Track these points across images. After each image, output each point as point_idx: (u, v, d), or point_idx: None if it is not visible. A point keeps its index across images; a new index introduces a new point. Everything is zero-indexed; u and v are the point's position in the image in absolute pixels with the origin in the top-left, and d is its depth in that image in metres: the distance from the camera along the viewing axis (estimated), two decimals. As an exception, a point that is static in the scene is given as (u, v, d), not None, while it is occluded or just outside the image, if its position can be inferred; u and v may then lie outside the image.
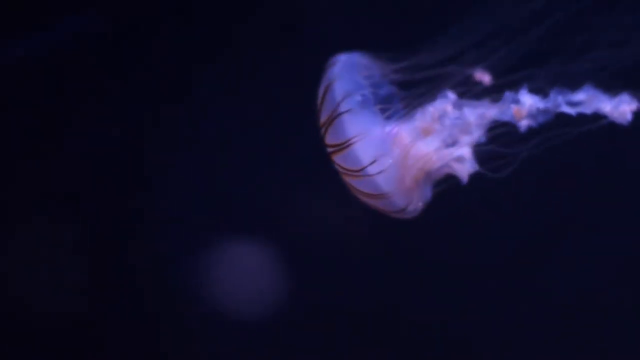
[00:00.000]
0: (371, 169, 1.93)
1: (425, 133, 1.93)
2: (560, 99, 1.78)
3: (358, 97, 1.92)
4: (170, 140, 3.29)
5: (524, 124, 1.82)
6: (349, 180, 1.96)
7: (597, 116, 1.75)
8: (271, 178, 3.20)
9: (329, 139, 1.94)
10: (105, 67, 3.26)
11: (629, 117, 1.75)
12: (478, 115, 1.86)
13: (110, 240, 3.25)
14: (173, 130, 3.28)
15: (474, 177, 1.93)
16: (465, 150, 1.89)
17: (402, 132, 1.93)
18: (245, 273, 3.24)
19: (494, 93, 1.85)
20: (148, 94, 3.26)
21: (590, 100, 1.77)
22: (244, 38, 3.24)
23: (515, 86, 1.82)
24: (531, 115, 1.81)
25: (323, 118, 1.94)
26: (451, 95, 1.88)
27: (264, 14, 3.23)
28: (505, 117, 1.83)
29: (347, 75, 1.95)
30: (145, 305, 3.23)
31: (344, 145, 1.92)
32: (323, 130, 1.94)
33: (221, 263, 3.23)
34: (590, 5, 1.86)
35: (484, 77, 1.85)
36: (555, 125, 1.82)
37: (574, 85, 1.79)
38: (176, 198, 3.25)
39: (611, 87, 1.77)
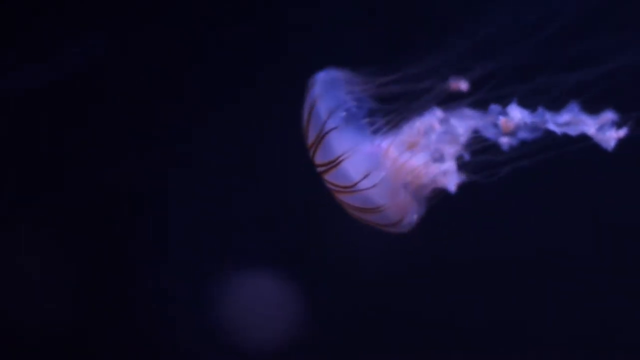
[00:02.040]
0: (363, 184, 1.93)
1: (412, 147, 1.93)
2: (546, 116, 1.78)
3: (342, 114, 1.91)
4: (175, 166, 3.29)
5: (510, 136, 1.82)
6: (342, 197, 1.96)
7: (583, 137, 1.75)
8: (271, 199, 3.21)
9: (319, 159, 1.94)
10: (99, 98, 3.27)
11: (612, 143, 1.74)
12: (465, 129, 1.85)
13: (114, 272, 3.27)
14: (178, 157, 3.29)
15: (465, 186, 1.93)
16: (451, 163, 1.89)
17: (390, 145, 1.92)
18: (257, 302, 3.24)
19: (480, 106, 1.84)
20: (146, 114, 3.27)
21: (576, 121, 1.77)
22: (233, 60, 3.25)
23: (501, 100, 1.81)
24: (518, 128, 1.81)
25: (311, 138, 1.94)
26: (438, 111, 1.88)
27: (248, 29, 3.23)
28: (492, 130, 1.83)
29: (329, 93, 1.95)
30: (154, 338, 3.25)
31: (334, 163, 1.92)
32: (312, 150, 1.94)
33: (232, 292, 3.24)
34: (577, 24, 1.85)
35: (461, 85, 1.84)
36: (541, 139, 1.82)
37: (560, 101, 1.78)
38: (181, 226, 3.26)
39: (596, 106, 1.77)
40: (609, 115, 1.75)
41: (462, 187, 1.93)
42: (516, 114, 1.80)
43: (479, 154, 1.88)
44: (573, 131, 1.76)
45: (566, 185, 2.97)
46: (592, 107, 1.81)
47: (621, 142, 1.79)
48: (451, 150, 1.91)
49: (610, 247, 3.09)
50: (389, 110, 1.95)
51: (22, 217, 3.24)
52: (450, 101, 1.87)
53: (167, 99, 3.26)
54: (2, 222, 3.24)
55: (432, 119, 1.90)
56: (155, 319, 3.25)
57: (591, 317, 3.09)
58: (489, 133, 1.84)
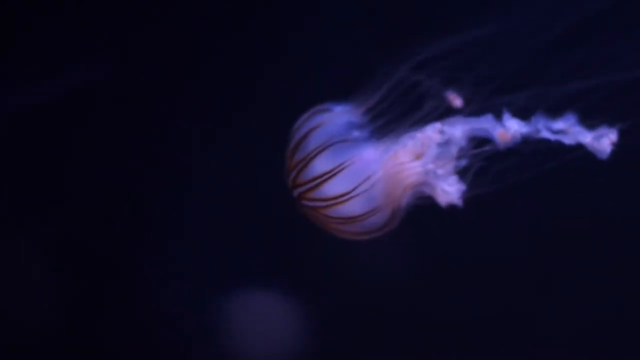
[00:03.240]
0: (356, 192, 1.94)
1: (412, 156, 1.94)
2: (541, 125, 1.79)
3: (343, 131, 1.94)
4: (175, 167, 3.30)
5: (506, 146, 1.83)
6: (326, 212, 1.97)
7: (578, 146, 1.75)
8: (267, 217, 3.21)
9: (306, 176, 1.96)
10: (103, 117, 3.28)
11: (608, 151, 1.75)
12: (462, 138, 1.87)
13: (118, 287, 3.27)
14: (178, 158, 3.29)
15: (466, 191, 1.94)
16: (447, 174, 1.90)
17: (387, 155, 1.94)
18: (257, 307, 3.24)
19: (477, 115, 1.85)
20: (145, 115, 3.28)
21: (571, 130, 1.77)
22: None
23: (499, 109, 1.82)
24: (515, 138, 1.82)
25: (298, 157, 1.96)
26: (437, 124, 1.89)
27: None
28: (490, 139, 1.84)
29: (329, 120, 1.97)
30: (154, 338, 3.25)
31: (328, 175, 1.94)
32: (296, 170, 1.96)
33: (235, 311, 3.24)
34: (575, 31, 1.85)
35: (456, 101, 1.85)
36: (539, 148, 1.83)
37: (556, 111, 1.79)
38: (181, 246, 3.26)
39: (592, 116, 1.77)
40: (604, 129, 1.76)
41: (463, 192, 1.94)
42: (512, 125, 1.81)
43: (479, 162, 1.89)
44: (568, 140, 1.77)
45: (566, 188, 2.97)
46: (588, 114, 1.81)
47: (621, 145, 1.79)
48: (450, 160, 1.92)
49: (610, 248, 3.09)
50: (385, 120, 1.96)
51: (22, 218, 3.25)
52: (448, 111, 1.87)
53: (167, 99, 3.26)
54: (1, 222, 3.25)
55: (431, 130, 1.91)
56: (155, 319, 3.26)
57: (591, 318, 3.10)
58: (487, 142, 1.85)
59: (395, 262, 3.09)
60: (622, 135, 1.78)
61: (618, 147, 1.81)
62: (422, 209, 2.05)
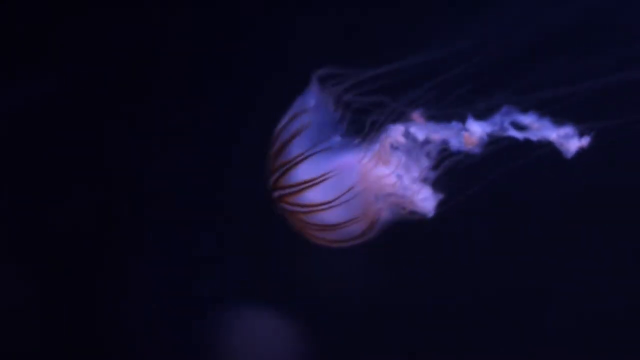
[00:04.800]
0: (339, 199, 1.96)
1: (382, 162, 1.96)
2: (506, 123, 1.80)
3: (328, 137, 1.95)
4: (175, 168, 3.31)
5: (473, 149, 1.84)
6: (306, 218, 1.99)
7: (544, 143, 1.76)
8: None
9: (288, 181, 1.97)
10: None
11: (573, 150, 1.76)
12: (429, 143, 1.88)
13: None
14: (178, 158, 3.31)
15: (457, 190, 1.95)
16: (419, 181, 1.92)
17: (363, 161, 1.95)
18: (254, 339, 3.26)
19: (444, 120, 1.87)
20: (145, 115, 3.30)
21: (536, 127, 1.78)
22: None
23: (466, 112, 1.83)
24: (481, 140, 1.83)
25: (282, 160, 1.98)
26: (400, 127, 1.91)
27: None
28: (456, 144, 1.85)
29: (316, 118, 1.99)
30: (151, 338, 3.27)
31: (310, 183, 1.95)
32: (279, 174, 1.98)
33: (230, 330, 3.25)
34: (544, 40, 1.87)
35: (419, 119, 1.88)
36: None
37: (525, 111, 1.80)
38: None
39: (563, 116, 1.78)
40: (572, 128, 1.77)
41: (454, 191, 1.96)
42: (476, 128, 1.82)
43: (449, 166, 1.91)
44: (534, 137, 1.78)
45: (558, 185, 2.97)
46: (560, 115, 1.82)
47: (618, 144, 1.80)
48: (421, 166, 1.94)
49: (609, 248, 3.08)
50: (364, 124, 1.98)
51: (21, 218, 3.28)
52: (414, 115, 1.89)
53: (167, 99, 3.28)
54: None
55: (396, 134, 1.93)
56: (151, 320, 3.28)
57: (591, 318, 3.09)
58: (455, 145, 1.86)
59: (383, 266, 3.10)
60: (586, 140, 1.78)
61: (613, 148, 1.82)
62: (405, 215, 2.06)
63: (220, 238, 3.23)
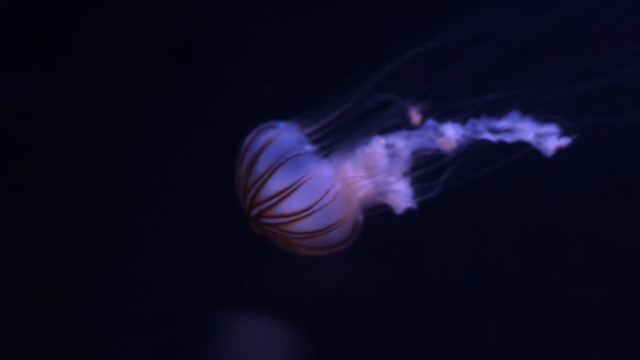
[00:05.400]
0: (317, 206, 1.97)
1: (363, 170, 1.97)
2: (479, 127, 1.81)
3: (296, 146, 1.96)
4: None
5: (452, 151, 1.86)
6: (286, 228, 1.99)
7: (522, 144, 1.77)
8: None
9: (264, 195, 1.98)
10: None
11: (552, 149, 1.77)
12: (407, 150, 1.90)
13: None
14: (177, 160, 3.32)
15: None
16: (399, 182, 1.93)
17: (341, 169, 1.97)
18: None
19: (421, 125, 1.89)
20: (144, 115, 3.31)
21: (514, 128, 1.79)
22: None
23: (445, 115, 1.85)
24: (459, 143, 1.85)
25: (254, 177, 1.98)
26: (381, 139, 1.93)
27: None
28: (434, 147, 1.87)
29: (279, 135, 2.00)
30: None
31: (285, 193, 1.96)
32: (254, 189, 1.98)
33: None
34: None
35: (415, 117, 1.89)
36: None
37: (501, 114, 1.81)
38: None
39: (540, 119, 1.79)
40: (551, 127, 1.78)
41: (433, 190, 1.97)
42: (450, 132, 1.84)
43: (421, 172, 1.93)
44: (510, 138, 1.79)
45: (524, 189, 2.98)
46: (539, 116, 1.83)
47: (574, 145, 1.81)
48: (401, 171, 1.95)
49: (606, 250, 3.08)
50: (338, 134, 1.99)
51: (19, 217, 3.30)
52: (394, 125, 1.91)
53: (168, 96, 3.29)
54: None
55: (376, 144, 1.95)
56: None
57: (591, 318, 3.09)
58: (433, 150, 1.89)
59: (369, 272, 3.11)
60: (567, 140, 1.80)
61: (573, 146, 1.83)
62: (386, 220, 2.07)
63: (211, 242, 3.25)
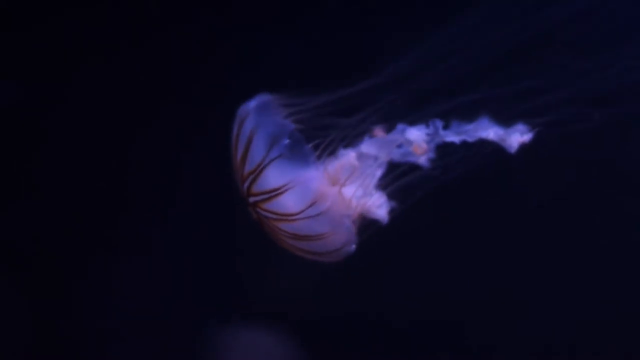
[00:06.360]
0: (307, 212, 1.96)
1: (336, 181, 1.97)
2: (440, 129, 1.82)
3: (286, 141, 1.95)
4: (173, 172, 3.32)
5: (425, 156, 1.85)
6: (280, 226, 1.99)
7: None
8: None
9: (258, 187, 1.98)
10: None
11: (515, 145, 1.77)
12: (381, 159, 1.90)
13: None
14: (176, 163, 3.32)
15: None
16: (374, 187, 1.93)
17: (333, 172, 1.97)
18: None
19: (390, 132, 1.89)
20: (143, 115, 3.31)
21: (475, 128, 1.79)
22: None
23: (419, 119, 1.85)
24: (430, 147, 1.85)
25: (248, 168, 1.97)
26: (352, 152, 1.93)
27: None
28: (406, 156, 1.87)
29: (267, 120, 1.98)
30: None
31: (277, 191, 1.96)
32: (249, 180, 1.98)
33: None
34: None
35: (379, 133, 1.89)
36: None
37: (470, 116, 1.81)
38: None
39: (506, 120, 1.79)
40: (518, 126, 1.78)
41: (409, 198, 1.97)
42: (413, 135, 1.84)
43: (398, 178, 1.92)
44: (471, 138, 1.79)
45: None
46: (503, 116, 1.83)
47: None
48: (375, 180, 1.95)
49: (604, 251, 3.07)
50: (327, 135, 1.99)
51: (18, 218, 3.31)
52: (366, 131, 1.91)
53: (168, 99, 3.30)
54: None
55: (349, 157, 1.95)
56: (145, 321, 3.30)
57: (590, 319, 3.08)
58: (404, 155, 1.89)
59: (369, 272, 3.10)
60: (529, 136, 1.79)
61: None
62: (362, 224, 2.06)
63: (205, 245, 3.25)
